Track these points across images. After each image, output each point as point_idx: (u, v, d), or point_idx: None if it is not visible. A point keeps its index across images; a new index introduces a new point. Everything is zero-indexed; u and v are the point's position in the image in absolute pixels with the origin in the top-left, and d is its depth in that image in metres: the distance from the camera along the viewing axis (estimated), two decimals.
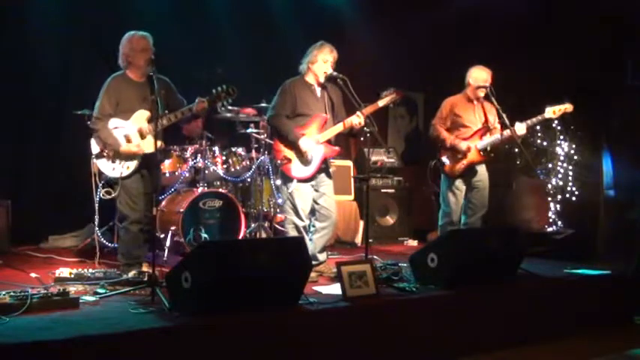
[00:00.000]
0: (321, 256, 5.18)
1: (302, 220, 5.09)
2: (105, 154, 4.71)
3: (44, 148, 6.54)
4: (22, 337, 3.10)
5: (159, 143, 4.48)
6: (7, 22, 6.24)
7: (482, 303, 4.54)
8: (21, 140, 6.49)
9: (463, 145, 5.88)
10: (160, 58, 4.59)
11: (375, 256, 5.52)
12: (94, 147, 4.76)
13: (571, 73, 6.93)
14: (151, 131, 4.70)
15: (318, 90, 5.18)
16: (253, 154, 6.39)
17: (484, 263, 4.64)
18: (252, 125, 6.50)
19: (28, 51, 6.31)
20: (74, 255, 5.79)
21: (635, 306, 5.28)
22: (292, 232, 5.10)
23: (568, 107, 5.76)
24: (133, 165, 4.74)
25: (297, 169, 5.06)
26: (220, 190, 6.12)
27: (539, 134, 7.40)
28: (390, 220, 7.60)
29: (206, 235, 5.69)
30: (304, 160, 5.04)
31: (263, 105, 6.29)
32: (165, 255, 5.55)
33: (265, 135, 6.37)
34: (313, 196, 5.14)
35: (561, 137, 7.42)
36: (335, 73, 5.03)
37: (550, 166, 7.46)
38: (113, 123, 4.73)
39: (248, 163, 6.30)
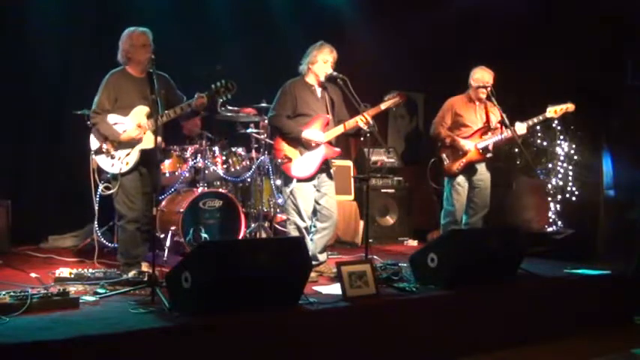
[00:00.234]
0: (322, 257, 5.18)
1: (304, 220, 5.09)
2: (105, 149, 4.71)
3: (44, 148, 6.54)
4: (22, 337, 3.10)
5: (159, 139, 4.47)
6: (7, 22, 6.24)
7: (483, 303, 4.54)
8: (21, 140, 6.49)
9: (463, 143, 5.89)
10: (160, 56, 4.59)
11: (375, 256, 5.52)
12: (93, 143, 4.76)
13: (571, 73, 6.93)
14: (150, 127, 4.71)
15: (318, 90, 5.18)
16: (253, 154, 6.39)
17: (484, 263, 4.64)
18: (252, 125, 6.50)
19: (28, 51, 6.31)
20: (74, 255, 5.80)
21: (635, 306, 5.27)
22: (294, 233, 5.09)
23: (570, 107, 5.77)
24: (132, 161, 4.74)
25: (297, 168, 5.06)
26: (220, 190, 6.12)
27: (539, 134, 7.40)
28: (390, 220, 7.60)
29: (206, 235, 5.69)
30: (310, 148, 5.03)
31: (263, 105, 6.30)
32: (165, 255, 5.55)
33: (265, 135, 6.37)
34: (315, 196, 5.14)
35: (561, 137, 7.43)
36: (335, 73, 5.03)
37: (550, 166, 7.46)
38: (112, 119, 4.73)
39: (248, 163, 6.30)
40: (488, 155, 5.91)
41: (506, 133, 5.71)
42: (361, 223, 7.17)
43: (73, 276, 4.43)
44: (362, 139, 5.16)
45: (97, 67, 5.02)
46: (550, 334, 4.69)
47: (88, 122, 4.85)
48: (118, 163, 4.72)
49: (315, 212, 5.18)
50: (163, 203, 5.95)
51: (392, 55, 7.61)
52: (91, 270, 4.56)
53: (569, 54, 6.98)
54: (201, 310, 3.56)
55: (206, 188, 5.96)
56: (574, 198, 7.33)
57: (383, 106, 5.14)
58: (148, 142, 4.74)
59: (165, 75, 4.89)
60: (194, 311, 3.55)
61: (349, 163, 7.56)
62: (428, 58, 7.83)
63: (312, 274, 4.56)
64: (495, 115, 5.91)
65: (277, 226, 6.54)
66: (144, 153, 4.75)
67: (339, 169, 6.84)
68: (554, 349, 4.54)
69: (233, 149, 6.31)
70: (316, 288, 4.48)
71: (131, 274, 4.53)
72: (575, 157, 7.40)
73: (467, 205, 6.05)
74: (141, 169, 4.80)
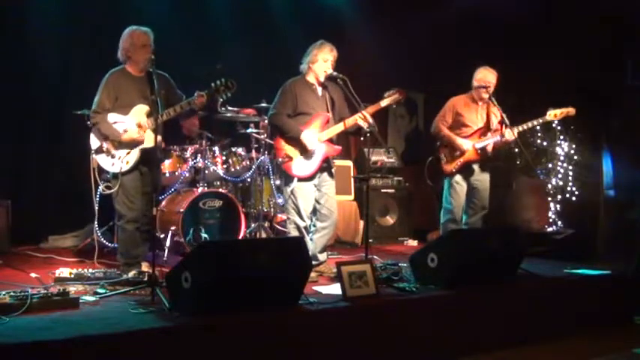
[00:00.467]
0: (322, 256, 5.18)
1: (304, 220, 5.09)
2: (105, 149, 4.71)
3: (44, 148, 6.54)
4: (22, 337, 3.10)
5: (159, 138, 4.47)
6: (7, 22, 6.24)
7: (483, 303, 4.54)
8: (21, 140, 6.49)
9: (461, 142, 5.90)
10: (160, 56, 4.59)
11: (375, 256, 5.52)
12: (94, 142, 4.76)
13: (571, 73, 6.93)
14: (150, 126, 4.71)
15: (319, 89, 5.19)
16: (253, 154, 6.40)
17: (484, 263, 4.64)
18: (252, 125, 6.50)
19: (28, 51, 6.31)
20: (74, 255, 5.80)
21: (635, 306, 5.27)
22: (294, 233, 5.10)
23: (570, 111, 5.77)
24: (132, 160, 4.74)
25: (298, 167, 5.06)
26: (220, 190, 6.13)
27: (539, 134, 7.39)
28: (390, 220, 7.60)
29: (206, 235, 5.69)
30: (307, 153, 5.04)
31: (263, 105, 6.30)
32: (165, 255, 5.55)
33: (265, 135, 6.37)
34: (315, 195, 5.14)
35: (561, 137, 7.42)
36: (335, 73, 5.04)
37: (550, 166, 7.46)
38: (112, 118, 4.73)
39: (248, 163, 6.30)
40: (486, 156, 5.92)
41: (506, 135, 5.72)
42: (361, 223, 7.17)
43: (73, 276, 4.43)
44: (362, 138, 5.16)
45: (97, 67, 5.01)
46: (550, 334, 4.69)
47: (88, 122, 4.85)
48: (119, 162, 4.72)
49: (314, 212, 5.19)
50: (163, 203, 5.95)
51: (392, 55, 7.61)
52: (91, 270, 4.56)
53: (569, 54, 6.98)
54: (201, 310, 3.55)
55: (206, 188, 5.96)
56: (574, 198, 7.33)
57: (383, 103, 5.15)
58: (149, 141, 4.74)
59: (165, 74, 4.90)
60: (194, 311, 3.55)
61: (349, 163, 7.56)
62: (428, 58, 7.83)
63: (312, 274, 4.56)
64: (497, 115, 5.91)
65: (277, 226, 6.54)
66: (144, 152, 4.75)
67: (339, 169, 6.83)
68: (554, 349, 4.54)
69: (233, 149, 6.31)
70: (316, 288, 4.48)
71: (131, 274, 4.53)
72: (575, 157, 7.40)
73: (466, 205, 6.05)
74: (141, 168, 4.80)
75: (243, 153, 6.33)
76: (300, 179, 5.07)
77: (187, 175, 6.04)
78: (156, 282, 3.96)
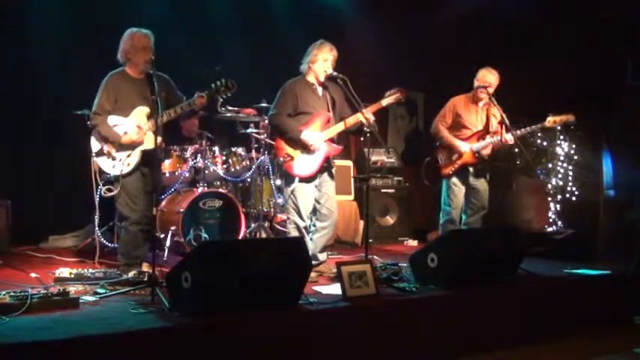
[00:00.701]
0: (322, 256, 5.19)
1: (304, 220, 5.09)
2: (105, 151, 4.71)
3: (44, 148, 6.54)
4: (22, 337, 3.10)
5: (159, 139, 4.47)
6: (7, 21, 6.24)
7: (482, 303, 4.54)
8: (21, 140, 6.48)
9: (459, 144, 5.90)
10: (160, 57, 4.59)
11: (375, 256, 5.52)
12: (94, 145, 4.76)
13: (571, 73, 6.93)
14: (151, 127, 4.71)
15: (319, 89, 5.19)
16: (253, 154, 6.40)
17: (484, 263, 4.64)
18: (252, 125, 6.50)
19: (28, 51, 6.31)
20: (74, 255, 5.79)
21: (635, 306, 5.27)
22: (294, 233, 5.10)
23: (570, 117, 5.77)
24: (133, 162, 4.74)
25: (299, 167, 5.06)
26: (220, 190, 6.13)
27: (539, 134, 7.39)
28: (390, 220, 7.60)
29: (206, 235, 5.69)
30: (310, 152, 5.04)
31: (263, 105, 6.30)
32: (165, 255, 5.55)
33: (265, 135, 6.37)
34: (315, 195, 5.14)
35: (561, 137, 7.42)
36: (335, 73, 5.04)
37: (550, 166, 7.46)
38: (112, 120, 4.73)
39: (248, 163, 6.30)
40: (483, 159, 5.92)
41: (497, 140, 5.73)
42: (361, 223, 7.17)
43: (73, 276, 4.43)
44: (362, 138, 5.16)
45: (97, 68, 5.02)
46: (550, 334, 4.69)
47: (88, 123, 4.85)
48: (119, 164, 4.72)
49: (314, 211, 5.19)
50: (163, 203, 5.95)
51: (392, 55, 7.60)
52: (91, 270, 4.56)
53: (569, 54, 6.98)
54: (201, 310, 3.56)
55: (206, 188, 5.96)
56: (574, 198, 7.33)
57: (384, 102, 5.15)
58: (149, 142, 4.74)
59: (165, 76, 4.89)
60: (194, 311, 3.55)
61: (349, 163, 7.56)
62: (428, 58, 7.83)
63: (312, 274, 4.56)
64: (496, 116, 5.91)
65: (277, 226, 6.54)
66: (145, 154, 4.75)
67: (339, 169, 6.82)
68: (554, 349, 4.54)
69: (233, 149, 6.31)
70: (316, 288, 4.48)
71: (131, 274, 4.53)
72: (575, 157, 7.40)
73: (465, 205, 6.06)
74: (142, 169, 4.80)
75: (243, 153, 6.33)
76: (302, 179, 5.07)
77: (187, 175, 6.04)
78: (156, 282, 3.97)
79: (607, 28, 6.84)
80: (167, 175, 5.95)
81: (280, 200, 6.28)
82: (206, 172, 6.07)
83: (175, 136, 6.09)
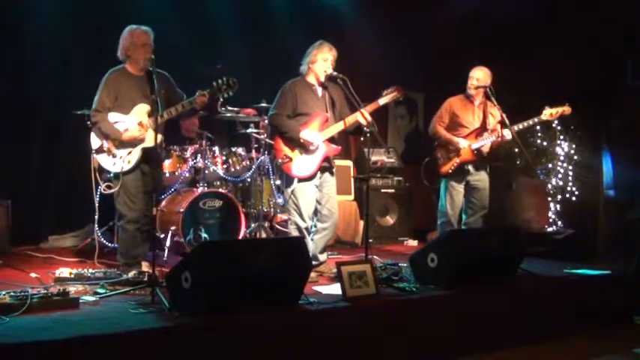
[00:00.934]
0: (322, 257, 5.19)
1: (305, 221, 5.09)
2: (106, 148, 4.71)
3: (44, 148, 6.54)
4: (22, 337, 3.10)
5: (159, 137, 4.46)
6: (7, 22, 6.24)
7: (482, 303, 4.54)
8: (21, 140, 6.48)
9: (457, 140, 5.91)
10: (161, 55, 4.59)
11: (375, 256, 5.52)
12: (94, 142, 4.76)
13: (571, 73, 6.93)
14: (152, 125, 4.71)
15: (319, 90, 5.19)
16: (253, 154, 6.40)
17: (484, 263, 4.64)
18: (252, 125, 6.50)
19: (28, 51, 6.31)
20: (74, 255, 5.79)
21: (635, 306, 5.27)
22: (294, 233, 5.10)
23: (566, 109, 5.77)
24: (134, 159, 4.73)
25: (297, 167, 5.06)
26: (220, 190, 6.13)
27: (539, 134, 7.40)
28: (390, 220, 7.60)
29: (206, 235, 5.69)
30: (309, 151, 5.04)
31: (263, 105, 6.30)
32: (165, 255, 5.55)
33: (265, 135, 6.37)
34: (316, 196, 5.14)
35: (561, 137, 7.42)
36: (335, 73, 5.04)
37: (550, 166, 7.46)
38: (113, 117, 4.73)
39: (248, 163, 6.30)
40: (482, 156, 5.92)
41: (496, 137, 5.73)
42: (361, 223, 7.16)
43: (73, 276, 4.42)
44: (362, 138, 5.16)
45: (97, 67, 5.02)
46: (550, 334, 4.69)
47: (88, 122, 4.85)
48: (120, 161, 4.71)
49: (315, 212, 5.18)
50: (163, 203, 5.95)
51: (392, 55, 7.60)
52: (91, 270, 4.55)
53: (569, 54, 6.98)
54: (201, 310, 3.56)
55: (206, 188, 5.96)
56: (574, 198, 7.33)
57: (381, 101, 5.14)
58: (150, 140, 4.74)
59: (165, 73, 4.89)
60: (194, 311, 3.55)
61: (349, 163, 7.57)
62: (428, 58, 7.83)
63: (312, 274, 4.56)
64: (495, 115, 5.92)
65: (277, 226, 6.54)
66: (146, 151, 4.75)
67: (339, 169, 6.82)
68: (554, 349, 4.53)
69: (233, 149, 6.31)
70: (316, 288, 4.48)
71: (131, 274, 4.53)
72: (575, 157, 7.40)
73: (466, 205, 6.06)
74: (143, 167, 4.80)
75: (243, 153, 6.34)
76: (301, 180, 5.07)
77: (187, 175, 6.04)
78: (156, 282, 3.96)
79: (607, 28, 6.84)
80: (167, 175, 5.94)
81: (280, 200, 6.29)
82: (206, 172, 6.07)
83: (175, 135, 6.09)
